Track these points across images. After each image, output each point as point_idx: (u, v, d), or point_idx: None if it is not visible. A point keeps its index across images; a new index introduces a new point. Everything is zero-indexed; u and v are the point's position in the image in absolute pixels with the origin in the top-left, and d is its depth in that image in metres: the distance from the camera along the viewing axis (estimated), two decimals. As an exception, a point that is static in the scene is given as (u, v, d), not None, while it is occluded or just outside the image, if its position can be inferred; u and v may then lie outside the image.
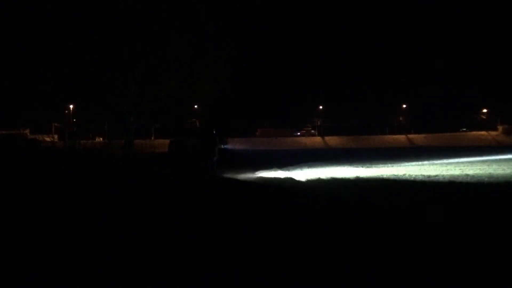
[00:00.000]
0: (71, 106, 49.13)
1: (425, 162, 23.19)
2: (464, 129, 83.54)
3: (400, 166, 20.65)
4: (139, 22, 23.79)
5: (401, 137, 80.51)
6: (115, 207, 8.75)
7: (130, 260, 4.98)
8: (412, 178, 14.35)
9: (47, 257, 5.19)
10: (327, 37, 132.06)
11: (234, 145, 59.47)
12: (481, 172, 15.99)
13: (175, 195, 10.69)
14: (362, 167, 20.47)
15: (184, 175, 16.08)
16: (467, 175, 14.97)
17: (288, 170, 19.17)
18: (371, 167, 20.32)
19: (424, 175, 15.11)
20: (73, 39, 23.43)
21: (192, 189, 12.02)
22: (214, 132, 15.75)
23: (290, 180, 14.43)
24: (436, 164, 21.72)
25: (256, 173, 17.67)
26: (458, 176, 14.67)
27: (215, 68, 26.23)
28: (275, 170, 19.04)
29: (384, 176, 15.25)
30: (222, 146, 39.77)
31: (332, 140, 78.43)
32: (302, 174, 16.93)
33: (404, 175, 15.50)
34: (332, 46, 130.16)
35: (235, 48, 25.83)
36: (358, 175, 15.86)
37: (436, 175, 15.04)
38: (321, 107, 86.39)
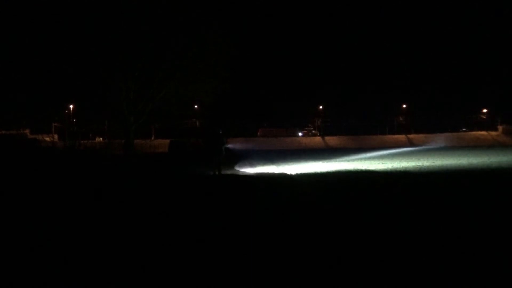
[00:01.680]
0: (71, 106, 49.14)
1: (411, 159, 25.09)
2: (464, 129, 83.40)
3: (386, 162, 22.80)
4: (139, 22, 23.78)
5: (401, 137, 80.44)
6: (124, 205, 8.75)
7: (137, 254, 4.99)
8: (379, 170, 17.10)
9: (47, 256, 5.20)
10: (327, 37, 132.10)
11: (234, 144, 59.38)
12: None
13: (188, 187, 12.58)
14: (351, 162, 22.91)
15: (192, 171, 17.99)
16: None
17: (284, 166, 21.38)
18: (363, 163, 22.46)
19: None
20: (73, 39, 23.42)
21: (202, 183, 13.87)
22: (220, 132, 17.09)
23: (282, 174, 16.46)
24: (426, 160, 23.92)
25: (255, 169, 19.85)
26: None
27: (215, 68, 26.25)
28: (271, 167, 21.34)
29: (372, 170, 17.49)
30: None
31: (332, 140, 78.35)
32: (294, 169, 19.08)
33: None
34: (332, 46, 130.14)
35: (235, 49, 25.84)
36: (340, 169, 18.19)
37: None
38: (321, 107, 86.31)
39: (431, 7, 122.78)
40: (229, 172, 17.63)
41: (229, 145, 53.54)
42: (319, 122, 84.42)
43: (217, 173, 16.06)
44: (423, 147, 52.97)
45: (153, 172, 17.97)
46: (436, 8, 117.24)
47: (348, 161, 24.85)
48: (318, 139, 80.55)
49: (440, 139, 72.52)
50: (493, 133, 79.26)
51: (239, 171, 18.53)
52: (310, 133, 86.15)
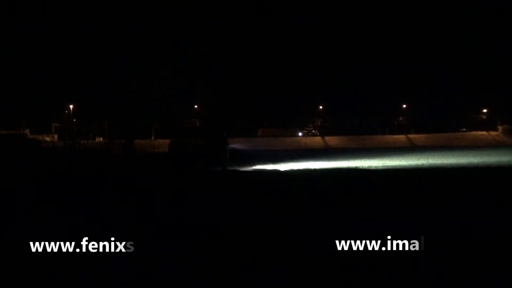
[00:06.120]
0: (71, 106, 49.15)
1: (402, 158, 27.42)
2: (464, 129, 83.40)
3: (374, 160, 25.43)
4: (139, 23, 23.81)
5: (401, 137, 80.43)
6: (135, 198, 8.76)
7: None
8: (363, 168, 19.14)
9: (47, 259, 5.20)
10: (327, 36, 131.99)
11: (235, 145, 59.38)
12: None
13: (197, 180, 14.95)
14: (344, 161, 25.29)
15: (200, 168, 20.39)
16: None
17: (279, 164, 24.00)
18: (354, 161, 24.84)
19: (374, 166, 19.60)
20: (73, 39, 23.43)
21: (209, 177, 16.13)
22: (224, 134, 20.03)
23: (275, 171, 19.16)
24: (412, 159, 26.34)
25: (253, 167, 22.59)
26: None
27: (215, 68, 26.27)
28: (268, 165, 24.19)
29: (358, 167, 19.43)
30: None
31: (332, 140, 78.35)
32: (287, 167, 21.64)
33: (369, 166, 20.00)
34: (332, 45, 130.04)
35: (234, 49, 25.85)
36: (326, 167, 20.37)
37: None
38: (321, 107, 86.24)
39: (431, 7, 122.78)
40: (231, 168, 19.92)
41: (230, 145, 53.54)
42: (319, 122, 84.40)
43: (225, 168, 18.49)
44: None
45: (173, 167, 20.58)
46: (436, 8, 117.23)
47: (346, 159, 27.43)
48: (318, 139, 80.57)
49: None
50: (493, 133, 79.27)
51: (239, 169, 20.55)
52: (310, 133, 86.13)
